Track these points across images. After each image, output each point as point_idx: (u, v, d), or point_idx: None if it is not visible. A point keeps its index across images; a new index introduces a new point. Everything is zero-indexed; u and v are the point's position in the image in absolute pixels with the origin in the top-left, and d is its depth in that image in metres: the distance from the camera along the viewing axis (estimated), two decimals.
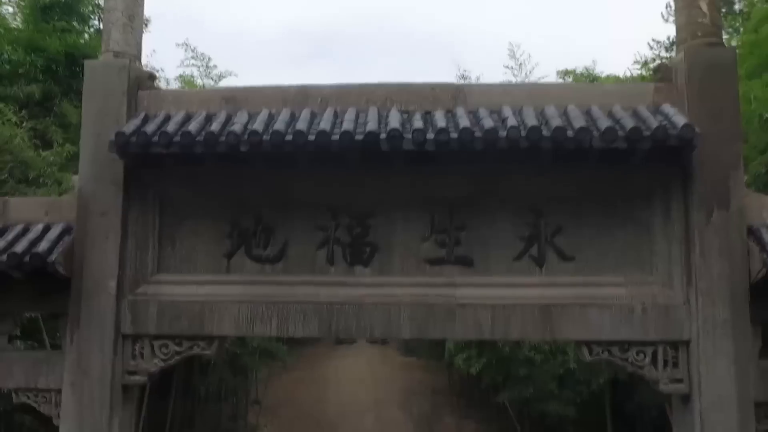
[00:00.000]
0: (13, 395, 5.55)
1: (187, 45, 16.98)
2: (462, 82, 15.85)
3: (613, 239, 5.47)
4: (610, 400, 10.62)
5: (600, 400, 10.82)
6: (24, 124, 10.31)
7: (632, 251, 5.45)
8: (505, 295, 5.36)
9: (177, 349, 5.50)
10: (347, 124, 5.00)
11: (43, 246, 5.18)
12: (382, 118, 5.18)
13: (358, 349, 35.78)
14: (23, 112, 10.56)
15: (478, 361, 11.99)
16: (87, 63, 6.23)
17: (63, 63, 12.41)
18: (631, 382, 10.55)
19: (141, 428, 12.93)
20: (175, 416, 15.19)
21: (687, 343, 5.21)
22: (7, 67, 12.29)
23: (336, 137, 4.87)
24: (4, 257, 5.03)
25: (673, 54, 6.79)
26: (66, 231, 5.49)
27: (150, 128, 5.17)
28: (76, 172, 5.96)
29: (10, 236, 5.34)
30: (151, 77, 6.22)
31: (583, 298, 5.33)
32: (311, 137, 4.88)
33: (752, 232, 5.18)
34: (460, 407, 25.59)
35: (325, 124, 5.03)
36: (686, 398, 5.25)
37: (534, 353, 10.99)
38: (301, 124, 5.02)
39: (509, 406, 13.36)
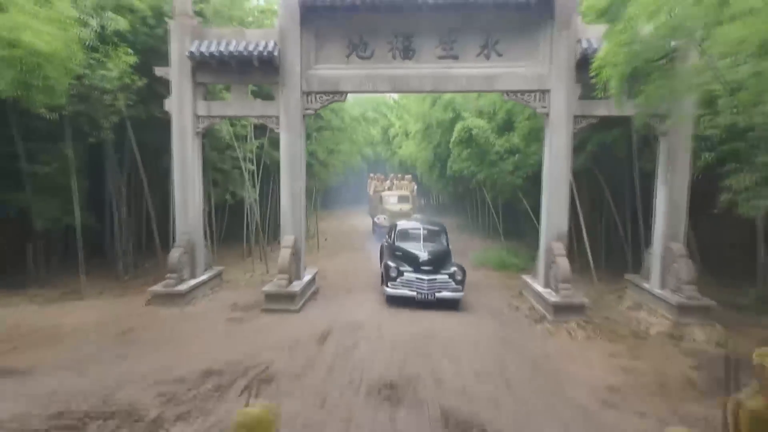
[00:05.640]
0: (254, 120, 12.60)
1: None
2: None
3: (522, 46, 12.18)
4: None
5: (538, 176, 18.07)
6: None
7: (530, 51, 12.18)
8: (472, 71, 12.21)
9: (326, 98, 12.46)
10: None
11: (269, 46, 11.93)
12: None
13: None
14: None
15: (466, 151, 19.19)
16: None
17: None
18: None
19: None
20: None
21: (549, 91, 12.11)
22: None
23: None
24: (254, 51, 11.80)
25: None
26: (275, 44, 12.20)
27: None
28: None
29: (251, 45, 12.07)
30: None
31: (507, 72, 12.18)
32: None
33: (580, 42, 11.85)
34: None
35: None
36: (547, 116, 12.25)
37: (501, 150, 18.16)
38: None
39: (485, 190, 20.92)
